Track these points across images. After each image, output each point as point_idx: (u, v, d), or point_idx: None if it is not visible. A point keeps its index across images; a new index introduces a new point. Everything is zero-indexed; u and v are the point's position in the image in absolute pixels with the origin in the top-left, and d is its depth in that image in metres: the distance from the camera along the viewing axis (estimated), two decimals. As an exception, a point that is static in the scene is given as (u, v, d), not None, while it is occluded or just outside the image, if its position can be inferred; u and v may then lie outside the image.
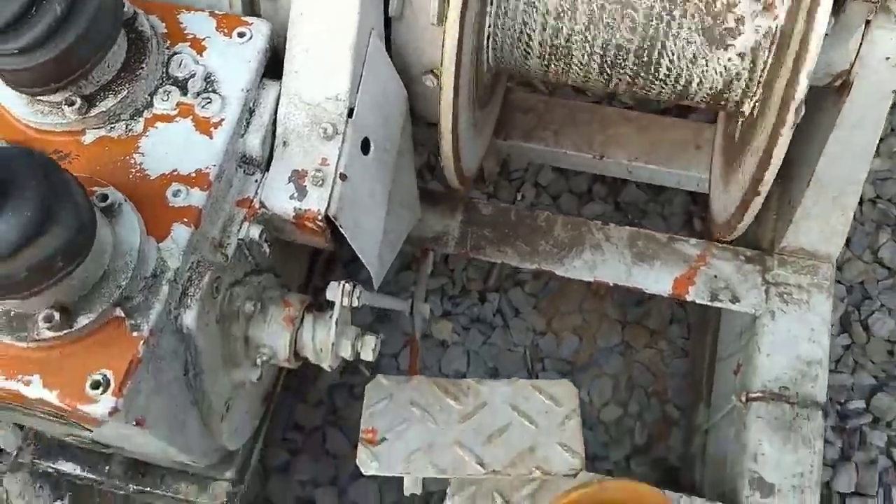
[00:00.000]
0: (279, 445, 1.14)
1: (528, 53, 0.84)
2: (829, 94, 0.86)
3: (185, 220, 0.64)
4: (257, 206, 0.69)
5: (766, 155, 0.73)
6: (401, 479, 1.12)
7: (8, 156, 0.52)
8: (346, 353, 0.71)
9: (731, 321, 1.09)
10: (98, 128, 0.67)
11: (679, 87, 0.80)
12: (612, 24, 0.80)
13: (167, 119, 0.68)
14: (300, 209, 0.69)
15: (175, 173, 0.65)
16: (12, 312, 0.58)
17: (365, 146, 0.72)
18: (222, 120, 0.68)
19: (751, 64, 0.78)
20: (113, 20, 0.64)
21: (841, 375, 1.20)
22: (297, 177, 0.69)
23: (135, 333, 0.59)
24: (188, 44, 0.69)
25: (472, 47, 0.77)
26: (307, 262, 0.92)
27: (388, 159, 0.77)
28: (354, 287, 0.70)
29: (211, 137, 0.67)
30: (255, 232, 0.69)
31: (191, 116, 0.68)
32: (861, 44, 0.79)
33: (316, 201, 0.69)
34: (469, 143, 0.87)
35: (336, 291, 0.70)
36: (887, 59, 0.77)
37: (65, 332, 0.57)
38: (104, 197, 0.60)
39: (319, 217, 0.69)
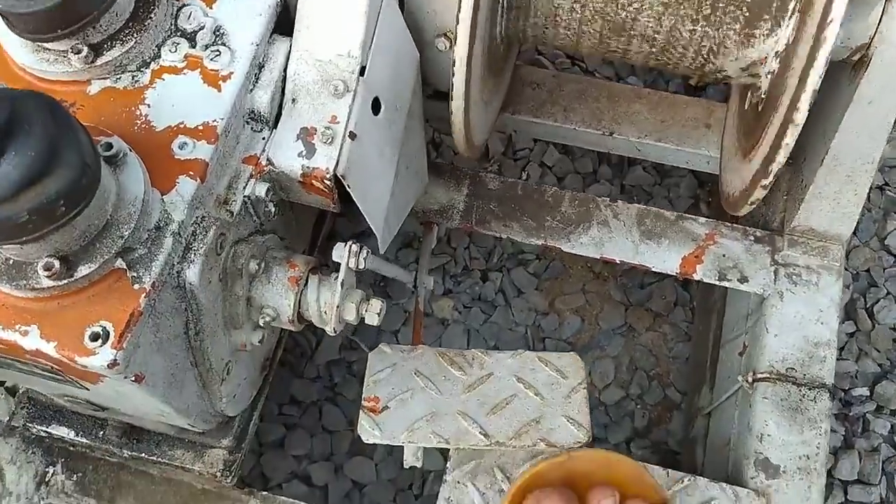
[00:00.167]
0: (275, 420, 1.13)
1: (544, 16, 0.82)
2: (846, 70, 0.84)
3: (191, 173, 0.62)
4: (264, 163, 0.68)
5: (788, 114, 0.71)
6: (398, 455, 1.11)
7: (13, 95, 0.51)
8: (351, 316, 0.69)
9: (738, 303, 1.08)
10: (104, 78, 0.65)
11: (704, 51, 0.78)
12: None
13: (175, 71, 0.66)
14: (308, 167, 0.67)
15: (181, 126, 0.64)
16: (11, 260, 0.57)
17: (375, 106, 0.71)
18: (231, 73, 0.66)
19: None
20: (120, -34, 0.62)
21: (845, 363, 1.19)
22: (306, 134, 0.68)
23: (136, 286, 0.58)
24: (197, -4, 0.68)
25: (487, 10, 0.76)
26: (310, 234, 0.91)
27: (399, 121, 0.75)
28: (361, 248, 0.68)
29: (219, 91, 0.65)
30: (261, 189, 0.67)
31: (199, 69, 0.66)
32: (882, 18, 0.78)
33: (324, 160, 0.67)
34: (479, 110, 0.86)
35: (342, 252, 0.68)
36: (908, 33, 0.76)
37: (65, 281, 0.56)
38: (109, 146, 0.58)
39: (328, 176, 0.67)
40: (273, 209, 0.69)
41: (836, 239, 0.98)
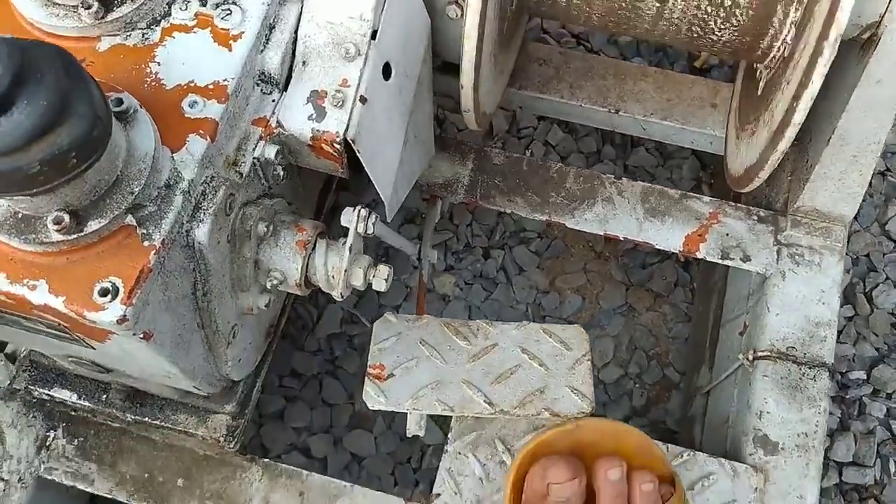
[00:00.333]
0: (275, 392, 1.13)
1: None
2: (854, 50, 0.84)
3: (201, 131, 0.61)
4: (274, 125, 0.67)
5: (799, 89, 0.71)
6: (397, 429, 1.11)
7: (24, 45, 0.50)
8: (359, 281, 0.69)
9: (738, 284, 1.08)
10: (114, 35, 0.64)
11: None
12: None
13: (185, 29, 0.65)
14: (318, 130, 0.67)
15: (192, 84, 0.63)
16: (20, 214, 0.56)
17: (386, 71, 0.70)
18: (242, 33, 0.65)
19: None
20: (132, -79, 0.61)
21: (843, 346, 1.19)
22: (316, 97, 0.67)
23: (146, 243, 0.57)
24: (208, -46, 0.67)
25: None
26: (315, 202, 0.90)
27: (409, 87, 0.75)
28: (370, 213, 0.68)
29: (230, 50, 0.65)
30: (270, 152, 0.67)
31: (209, 28, 0.65)
32: (893, -5, 0.77)
33: (334, 123, 0.67)
34: (489, 81, 0.85)
35: (351, 217, 0.68)
36: (919, 12, 0.76)
37: (74, 236, 0.55)
38: (119, 101, 0.58)
39: (337, 139, 0.67)
40: (281, 172, 0.69)
41: (840, 220, 0.98)
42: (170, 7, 0.66)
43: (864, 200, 1.25)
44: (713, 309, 1.14)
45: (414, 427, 0.79)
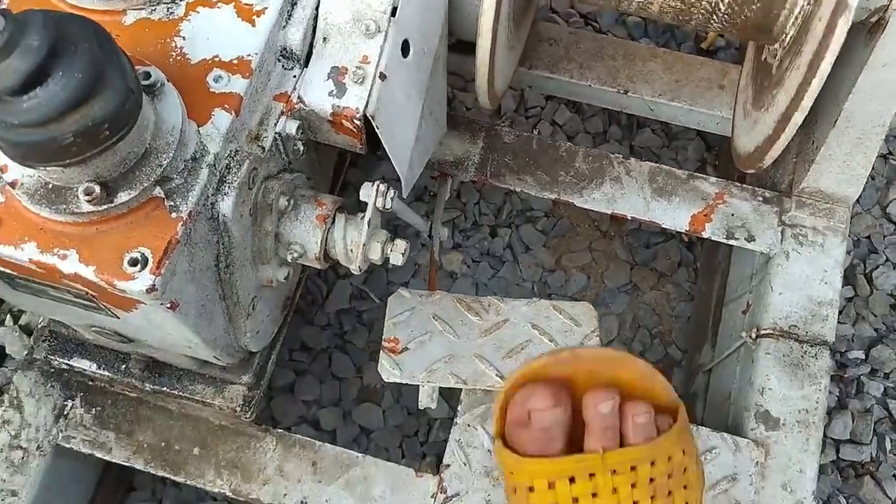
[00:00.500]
0: (285, 365, 1.15)
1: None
2: (862, 33, 0.85)
3: (226, 106, 0.63)
4: (295, 101, 0.68)
5: (809, 73, 0.72)
6: (405, 402, 1.13)
7: (58, 17, 0.51)
8: (376, 255, 0.70)
9: (742, 263, 1.10)
10: (139, 9, 0.65)
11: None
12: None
13: (209, 4, 0.66)
14: (338, 106, 0.68)
15: (216, 59, 0.64)
16: (50, 185, 0.57)
17: (405, 48, 0.71)
18: (265, 9, 0.66)
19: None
20: None
21: (842, 326, 1.21)
22: (337, 73, 0.68)
23: (174, 214, 0.59)
24: (230, -71, 0.68)
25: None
26: (331, 177, 0.91)
27: (426, 64, 0.76)
28: (388, 188, 0.70)
29: (253, 26, 0.66)
30: (292, 127, 0.68)
31: (233, 3, 0.66)
32: (902, -20, 0.79)
33: (355, 99, 0.68)
34: (501, 60, 0.86)
35: (370, 191, 0.69)
36: (928, -4, 0.77)
37: (104, 207, 0.56)
38: (147, 75, 0.59)
39: (357, 116, 0.68)
40: (301, 147, 0.70)
41: (843, 201, 1.00)
42: (194, -18, 0.67)
43: (865, 183, 1.27)
44: (716, 288, 1.16)
45: (426, 400, 0.81)
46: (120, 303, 0.61)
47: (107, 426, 0.88)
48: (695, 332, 1.21)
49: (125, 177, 0.57)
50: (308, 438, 0.88)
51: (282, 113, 0.68)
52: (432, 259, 0.96)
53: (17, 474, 0.87)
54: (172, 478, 0.86)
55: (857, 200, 1.25)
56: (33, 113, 0.50)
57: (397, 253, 0.71)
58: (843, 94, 0.89)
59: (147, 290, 0.57)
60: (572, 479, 0.59)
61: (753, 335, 0.95)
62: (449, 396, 1.06)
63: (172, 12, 0.66)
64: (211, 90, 0.63)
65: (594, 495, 0.59)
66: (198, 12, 0.66)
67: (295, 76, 0.69)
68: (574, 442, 0.60)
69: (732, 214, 1.01)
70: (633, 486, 0.60)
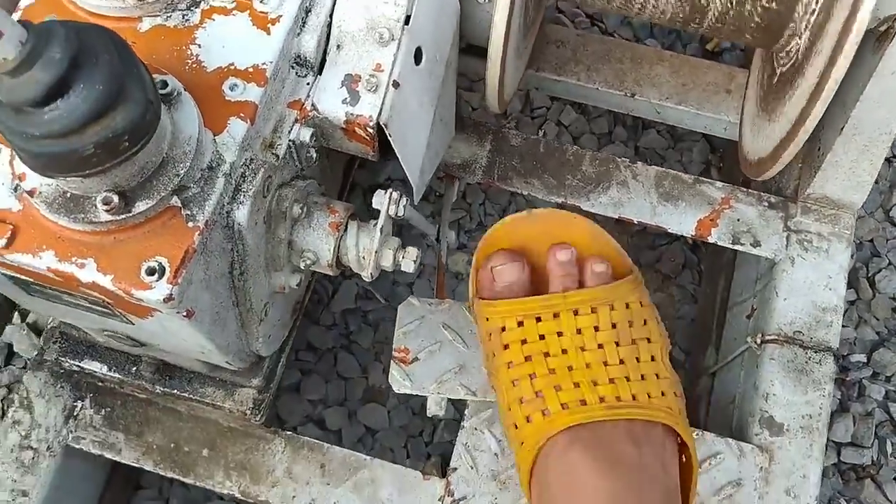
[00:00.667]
0: (291, 365, 1.15)
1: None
2: (870, 41, 0.86)
3: (242, 114, 0.63)
4: (309, 108, 0.69)
5: (820, 82, 0.73)
6: (411, 403, 1.14)
7: (78, 28, 0.51)
8: (388, 262, 0.71)
9: (747, 267, 1.10)
10: (154, 16, 0.65)
11: None
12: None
13: (224, 12, 0.66)
14: (352, 114, 0.68)
15: (232, 67, 0.64)
16: (69, 194, 0.58)
17: (417, 55, 0.72)
18: (280, 17, 0.66)
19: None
20: None
21: (845, 329, 1.22)
22: (351, 81, 0.69)
23: (190, 224, 0.59)
24: (244, -64, 0.68)
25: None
26: (340, 181, 0.92)
27: (438, 71, 0.76)
28: (401, 196, 0.70)
29: (268, 34, 0.66)
30: (305, 134, 0.68)
31: (248, 11, 0.66)
32: (912, -10, 0.79)
33: (368, 107, 0.68)
34: (513, 63, 0.87)
35: (383, 199, 0.69)
36: (936, 7, 0.77)
37: (122, 216, 0.57)
38: (164, 84, 0.59)
39: (371, 124, 0.68)
40: (314, 154, 0.70)
41: (849, 207, 1.01)
42: (209, -11, 0.67)
43: (869, 187, 1.28)
44: (720, 291, 1.17)
45: (434, 407, 0.82)
46: (136, 310, 0.61)
47: (116, 427, 0.89)
48: (699, 334, 1.21)
49: (143, 186, 0.58)
50: (316, 441, 0.88)
51: (295, 120, 0.68)
52: (440, 264, 0.97)
53: (27, 474, 0.87)
54: (182, 479, 0.87)
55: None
56: (55, 124, 0.50)
57: (409, 260, 0.72)
58: (851, 102, 0.89)
59: (164, 299, 0.57)
60: (538, 319, 0.67)
61: (758, 340, 0.96)
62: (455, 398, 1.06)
63: (188, 19, 0.66)
64: (226, 98, 0.63)
65: (559, 334, 0.67)
66: (213, 20, 0.66)
67: (308, 83, 0.69)
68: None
69: (738, 219, 1.01)
70: (595, 328, 0.68)
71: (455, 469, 0.86)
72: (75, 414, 0.89)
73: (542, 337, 0.68)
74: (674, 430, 0.69)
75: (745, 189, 1.03)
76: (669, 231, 1.01)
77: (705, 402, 1.11)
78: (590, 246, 0.73)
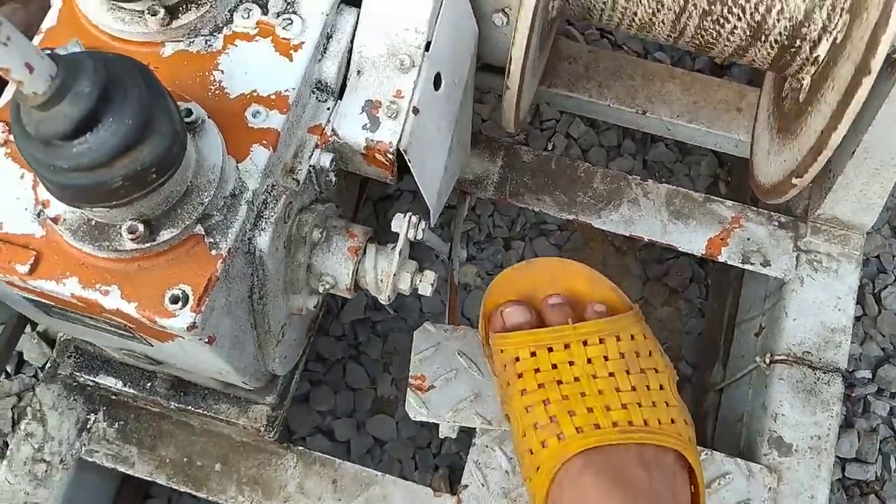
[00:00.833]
0: (301, 375, 1.15)
1: None
2: (884, 66, 0.86)
3: (265, 141, 0.63)
4: (329, 133, 0.69)
5: (840, 107, 0.73)
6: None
7: (106, 59, 0.51)
8: (406, 286, 0.71)
9: (755, 283, 1.11)
10: (177, 41, 0.65)
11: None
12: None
13: (247, 38, 0.66)
14: (372, 140, 0.69)
15: (254, 94, 0.65)
16: (93, 221, 0.58)
17: (437, 81, 0.72)
18: (302, 43, 0.67)
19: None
20: (199, -69, 0.62)
21: (850, 345, 1.23)
22: (371, 107, 0.69)
23: (213, 252, 0.59)
24: (268, -39, 0.68)
25: (547, -10, 0.77)
26: (355, 200, 0.92)
27: (456, 95, 0.76)
28: (420, 220, 0.70)
29: (291, 60, 0.66)
30: (326, 160, 0.68)
31: (271, 37, 0.67)
32: (928, 18, 0.79)
33: (388, 133, 0.68)
34: (527, 87, 0.87)
35: (402, 223, 0.70)
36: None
37: (147, 245, 0.57)
38: (189, 112, 0.60)
39: (391, 150, 0.69)
40: (334, 179, 0.71)
41: (858, 228, 1.01)
42: (232, 14, 0.67)
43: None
44: (728, 307, 1.18)
45: (447, 430, 0.83)
46: (158, 335, 0.62)
47: (129, 440, 0.89)
48: (706, 349, 1.22)
49: (167, 214, 0.58)
50: (328, 456, 0.89)
51: (316, 145, 0.68)
52: (452, 285, 0.97)
53: (40, 487, 0.88)
54: (194, 493, 0.88)
55: (867, 221, 1.27)
56: (83, 158, 0.50)
57: (426, 284, 0.72)
58: (863, 125, 0.90)
59: (188, 327, 0.58)
60: (550, 349, 0.70)
61: (767, 360, 0.97)
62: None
63: (211, 45, 0.66)
64: (249, 125, 0.63)
65: (571, 363, 0.70)
66: (236, 45, 0.66)
67: (329, 108, 0.70)
68: None
69: (748, 239, 1.02)
70: (605, 358, 0.70)
71: (466, 486, 0.87)
72: (88, 427, 0.90)
73: (554, 366, 0.69)
74: (684, 456, 0.70)
75: (755, 208, 1.03)
76: (680, 250, 1.02)
77: (712, 419, 1.12)
78: (590, 290, 0.77)
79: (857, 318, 1.24)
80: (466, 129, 0.87)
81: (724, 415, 1.09)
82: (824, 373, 0.95)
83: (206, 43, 0.66)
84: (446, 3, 0.70)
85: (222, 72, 0.65)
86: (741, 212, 1.03)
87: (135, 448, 0.89)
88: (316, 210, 0.69)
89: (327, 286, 0.71)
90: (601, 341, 0.70)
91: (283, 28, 0.67)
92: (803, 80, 0.85)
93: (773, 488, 0.89)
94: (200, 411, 0.83)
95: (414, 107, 0.69)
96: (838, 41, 0.80)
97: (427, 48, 0.70)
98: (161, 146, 0.53)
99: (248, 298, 0.66)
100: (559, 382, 0.68)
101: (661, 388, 0.70)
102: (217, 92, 0.64)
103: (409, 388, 0.81)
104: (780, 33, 0.82)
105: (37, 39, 0.66)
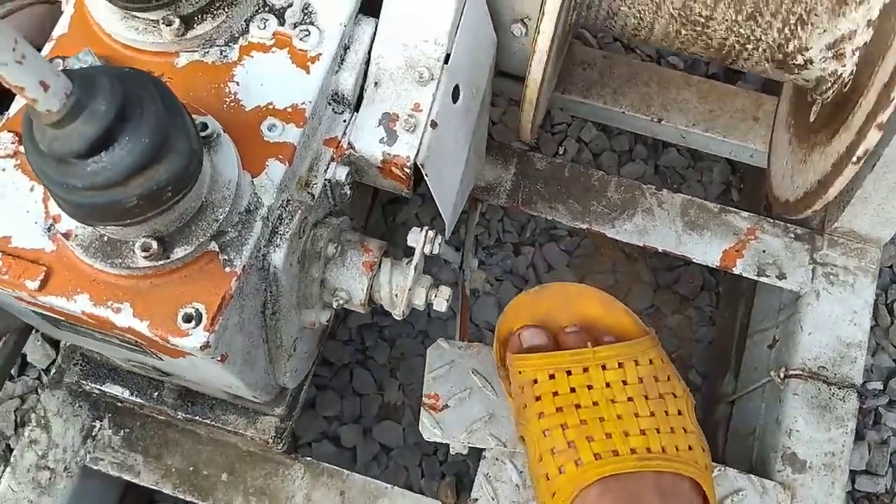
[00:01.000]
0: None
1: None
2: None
3: (280, 156, 0.62)
4: (345, 146, 0.68)
5: (871, 117, 0.72)
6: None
7: (122, 75, 0.50)
8: (420, 301, 0.70)
9: (768, 294, 1.10)
10: (192, 51, 0.64)
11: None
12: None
13: (263, 49, 0.65)
14: (389, 154, 0.67)
15: (270, 107, 0.63)
16: (106, 238, 0.57)
17: (455, 93, 0.70)
18: (319, 55, 0.65)
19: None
20: (216, -62, 0.61)
21: (863, 358, 1.22)
22: (388, 120, 0.68)
23: (227, 269, 0.58)
24: (285, -30, 0.66)
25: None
26: (367, 210, 0.91)
27: (474, 107, 0.75)
28: (437, 234, 0.69)
29: (308, 72, 0.64)
30: (341, 173, 0.67)
31: (287, 48, 0.65)
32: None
33: (406, 147, 0.67)
34: (544, 96, 0.86)
35: (418, 237, 0.69)
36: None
37: (161, 262, 0.56)
38: (204, 126, 0.58)
39: (408, 164, 0.67)
40: (349, 192, 0.69)
41: (876, 242, 1.00)
42: (248, 24, 0.65)
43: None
44: (739, 316, 1.16)
45: (458, 446, 0.81)
46: (170, 352, 0.61)
47: (135, 449, 0.88)
48: (717, 359, 1.21)
49: (181, 231, 0.57)
50: (336, 467, 0.88)
51: (332, 158, 0.67)
52: (463, 297, 0.96)
53: (44, 495, 0.87)
54: (200, 503, 0.87)
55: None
56: (98, 177, 0.49)
57: (441, 299, 0.71)
58: (884, 141, 0.88)
59: (201, 346, 0.56)
60: (569, 373, 0.69)
61: (782, 375, 0.95)
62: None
63: (226, 55, 0.64)
64: (265, 139, 0.62)
65: (590, 387, 0.69)
66: (252, 56, 0.65)
67: (345, 120, 0.68)
68: None
69: (764, 251, 1.01)
70: (624, 382, 0.70)
71: (476, 500, 0.86)
72: (93, 434, 0.89)
73: (573, 390, 0.68)
74: (699, 484, 0.69)
75: (770, 220, 1.02)
76: (695, 261, 1.00)
77: (723, 430, 1.10)
78: (604, 316, 0.76)
79: (870, 329, 1.23)
80: (482, 139, 0.86)
81: (735, 427, 1.08)
82: (839, 388, 0.94)
83: (221, 54, 0.65)
84: (466, 13, 0.69)
85: (238, 83, 0.64)
86: (757, 223, 1.02)
87: (140, 456, 0.88)
88: (330, 224, 0.68)
89: (341, 301, 0.70)
90: (620, 365, 0.69)
91: (301, 39, 0.65)
92: (829, 94, 0.84)
93: (786, 506, 0.88)
94: (208, 422, 0.82)
95: (432, 120, 0.68)
96: (866, 57, 0.78)
97: (446, 60, 0.68)
98: (178, 165, 0.51)
99: (260, 314, 0.65)
100: (577, 406, 0.68)
101: (679, 413, 0.69)
102: (232, 104, 0.63)
103: (422, 408, 0.80)
104: (805, 48, 0.80)
105: (48, 47, 0.65)
